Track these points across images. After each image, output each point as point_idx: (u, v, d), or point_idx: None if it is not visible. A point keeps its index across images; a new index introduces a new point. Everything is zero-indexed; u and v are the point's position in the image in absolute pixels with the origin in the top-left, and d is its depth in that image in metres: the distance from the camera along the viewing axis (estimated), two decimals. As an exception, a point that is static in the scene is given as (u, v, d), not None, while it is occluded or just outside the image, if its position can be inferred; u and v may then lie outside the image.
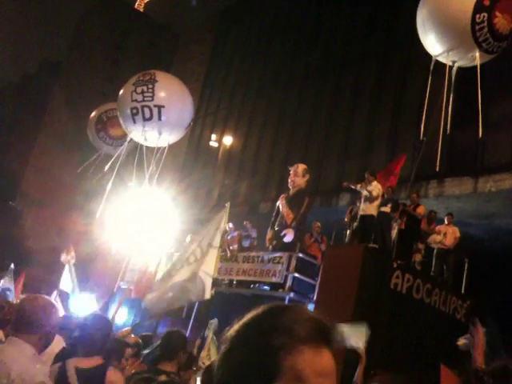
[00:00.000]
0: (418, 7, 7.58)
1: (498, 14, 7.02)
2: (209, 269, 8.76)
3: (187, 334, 10.44)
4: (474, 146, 15.91)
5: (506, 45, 7.51)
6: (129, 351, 4.83)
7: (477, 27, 6.92)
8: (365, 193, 11.14)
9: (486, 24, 6.93)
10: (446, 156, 16.56)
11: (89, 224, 14.65)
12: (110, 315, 12.12)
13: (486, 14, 6.92)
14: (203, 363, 6.60)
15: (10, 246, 36.99)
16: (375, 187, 11.20)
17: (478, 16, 6.87)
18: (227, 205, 9.29)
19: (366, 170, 12.90)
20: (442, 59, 7.66)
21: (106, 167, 10.31)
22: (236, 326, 1.05)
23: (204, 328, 9.69)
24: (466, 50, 7.24)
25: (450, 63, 7.55)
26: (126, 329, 8.01)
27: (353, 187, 11.67)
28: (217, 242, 9.13)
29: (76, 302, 11.61)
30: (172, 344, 4.23)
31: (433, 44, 7.41)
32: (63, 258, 13.02)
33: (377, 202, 11.24)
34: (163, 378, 3.86)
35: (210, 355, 7.02)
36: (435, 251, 12.57)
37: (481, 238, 16.04)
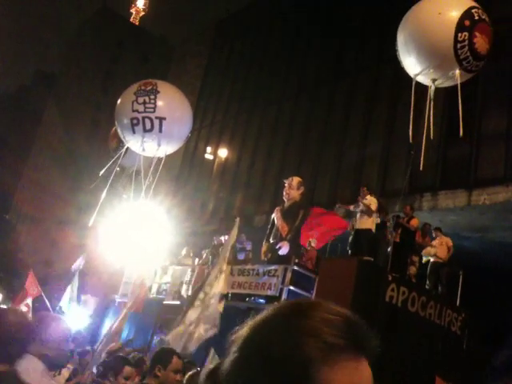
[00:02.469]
0: (398, 29, 7.85)
1: (477, 34, 7.35)
2: (221, 289, 8.78)
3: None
4: (468, 159, 16.01)
5: (482, 66, 7.81)
6: (128, 370, 4.76)
7: (458, 45, 7.21)
8: (361, 207, 11.17)
9: (466, 43, 7.23)
10: (440, 169, 16.65)
11: (83, 237, 14.60)
12: (104, 329, 12.09)
13: (467, 34, 7.24)
14: None
15: (2, 259, 36.78)
16: (371, 201, 11.25)
17: (459, 35, 7.19)
18: (237, 220, 9.29)
19: (360, 183, 12.95)
20: (421, 78, 7.89)
21: (101, 173, 10.15)
22: (251, 327, 0.89)
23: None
24: (447, 68, 7.52)
25: (430, 82, 7.79)
26: (117, 344, 7.82)
27: (347, 208, 11.69)
28: (225, 260, 9.18)
29: (69, 316, 11.56)
30: (153, 359, 4.29)
31: (414, 63, 7.69)
32: (75, 265, 13.10)
33: (375, 216, 11.30)
34: None
35: None
36: (429, 264, 12.61)
37: (475, 250, 16.08)
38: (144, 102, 9.25)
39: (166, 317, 12.92)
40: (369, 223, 11.18)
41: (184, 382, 4.61)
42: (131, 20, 77.00)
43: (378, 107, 19.97)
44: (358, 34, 22.11)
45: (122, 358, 5.08)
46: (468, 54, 7.28)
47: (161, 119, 9.24)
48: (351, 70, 21.70)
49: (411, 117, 7.98)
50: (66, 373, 6.80)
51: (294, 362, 0.80)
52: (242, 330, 0.90)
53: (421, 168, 8.20)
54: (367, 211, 11.14)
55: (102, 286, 14.05)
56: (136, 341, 11.48)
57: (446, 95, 13.27)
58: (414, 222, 12.38)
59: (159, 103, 9.33)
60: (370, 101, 20.32)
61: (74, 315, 11.79)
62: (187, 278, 13.11)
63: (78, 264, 13.48)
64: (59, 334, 2.92)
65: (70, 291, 12.61)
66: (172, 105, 9.64)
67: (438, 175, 16.56)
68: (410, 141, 8.02)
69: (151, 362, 4.26)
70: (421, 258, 12.55)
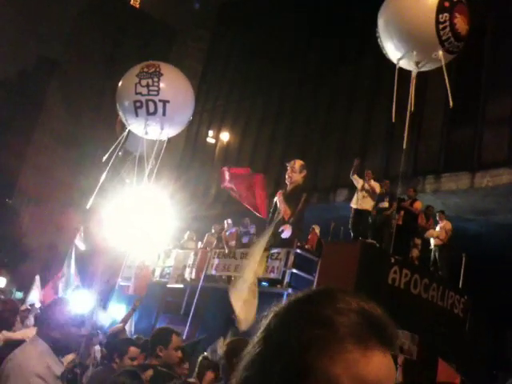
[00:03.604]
0: (379, 13, 7.87)
1: (457, 15, 7.50)
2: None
3: (185, 331, 10.46)
4: (472, 142, 15.94)
5: (462, 46, 7.88)
6: (133, 350, 4.80)
7: (440, 26, 7.36)
8: (367, 187, 11.24)
9: (448, 24, 7.39)
10: (444, 151, 16.60)
11: (84, 220, 14.61)
12: (108, 313, 12.14)
13: (447, 15, 7.41)
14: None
15: (7, 243, 36.90)
16: (375, 185, 11.35)
17: (441, 16, 7.34)
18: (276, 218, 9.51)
19: (363, 167, 12.95)
20: (404, 63, 7.96)
21: (104, 158, 10.06)
22: (276, 311, 0.85)
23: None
24: (430, 50, 7.64)
25: (413, 66, 7.86)
26: (119, 325, 7.83)
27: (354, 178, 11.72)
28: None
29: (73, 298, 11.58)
30: (153, 340, 4.33)
31: (396, 47, 7.76)
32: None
33: (375, 198, 11.40)
34: (150, 372, 3.93)
35: None
36: (432, 246, 12.62)
37: (478, 233, 16.06)
38: (147, 85, 9.06)
39: (170, 300, 13.01)
40: (369, 205, 11.27)
41: (197, 365, 4.65)
42: (131, 3, 76.16)
43: (383, 91, 19.82)
44: (362, 18, 21.90)
45: (126, 339, 5.12)
46: (449, 34, 7.44)
47: (164, 102, 9.10)
48: (355, 55, 21.55)
49: (394, 99, 8.11)
50: (69, 355, 6.83)
51: (293, 347, 0.76)
52: (272, 313, 0.85)
53: (404, 147, 8.34)
54: (372, 193, 11.21)
55: (105, 270, 14.09)
56: (140, 324, 11.54)
57: (449, 80, 13.23)
58: (418, 205, 12.38)
59: (162, 86, 9.16)
60: (375, 84, 20.18)
61: (76, 297, 11.81)
62: (190, 261, 13.16)
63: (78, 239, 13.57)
64: (63, 316, 2.99)
65: (66, 267, 12.68)
66: (175, 87, 9.49)
67: (442, 158, 16.51)
68: (393, 120, 8.24)
69: (151, 343, 4.28)
70: (423, 241, 12.56)
